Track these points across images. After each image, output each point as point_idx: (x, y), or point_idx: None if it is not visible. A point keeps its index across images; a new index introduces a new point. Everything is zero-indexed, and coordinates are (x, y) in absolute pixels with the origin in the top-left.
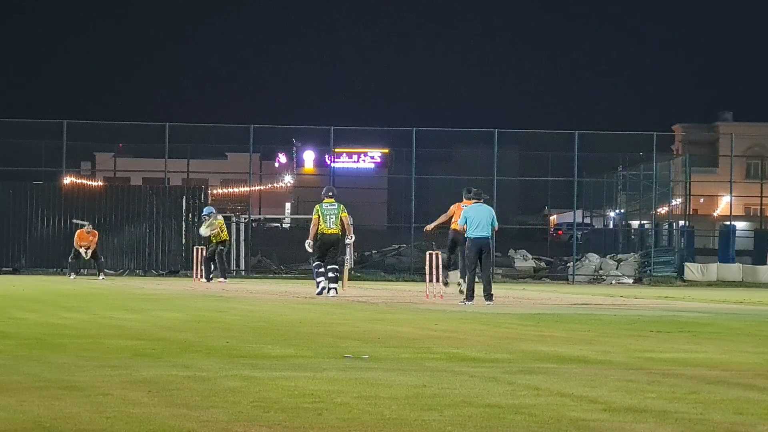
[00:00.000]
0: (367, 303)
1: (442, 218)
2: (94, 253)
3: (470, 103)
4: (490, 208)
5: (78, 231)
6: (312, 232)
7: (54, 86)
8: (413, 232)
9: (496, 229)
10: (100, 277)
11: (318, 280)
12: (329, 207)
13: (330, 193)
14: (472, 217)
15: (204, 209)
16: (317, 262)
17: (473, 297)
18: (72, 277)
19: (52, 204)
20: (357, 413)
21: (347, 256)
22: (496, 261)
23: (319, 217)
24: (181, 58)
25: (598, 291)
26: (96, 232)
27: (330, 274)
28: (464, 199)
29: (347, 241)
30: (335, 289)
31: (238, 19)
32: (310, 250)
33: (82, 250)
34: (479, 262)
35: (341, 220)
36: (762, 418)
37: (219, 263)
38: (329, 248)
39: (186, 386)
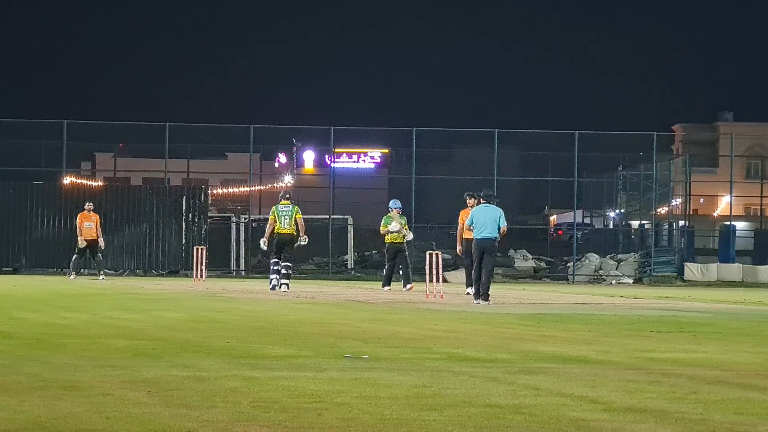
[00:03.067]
0: (367, 303)
1: (459, 232)
2: (95, 248)
3: (470, 103)
4: (498, 209)
5: (79, 214)
6: (267, 231)
7: (54, 86)
8: (414, 231)
9: (503, 229)
10: (101, 277)
11: (271, 276)
12: (284, 208)
13: (287, 196)
14: (478, 218)
15: (392, 202)
16: (274, 259)
17: (479, 295)
18: (72, 276)
19: (52, 204)
20: (357, 413)
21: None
22: (495, 261)
23: (275, 218)
24: (181, 58)
25: (598, 291)
26: (97, 215)
27: (283, 271)
28: (468, 203)
29: (301, 242)
30: (287, 284)
31: (238, 19)
32: (264, 248)
33: (91, 236)
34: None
35: (295, 220)
36: (762, 418)
37: (405, 267)
38: (283, 246)
39: (186, 386)
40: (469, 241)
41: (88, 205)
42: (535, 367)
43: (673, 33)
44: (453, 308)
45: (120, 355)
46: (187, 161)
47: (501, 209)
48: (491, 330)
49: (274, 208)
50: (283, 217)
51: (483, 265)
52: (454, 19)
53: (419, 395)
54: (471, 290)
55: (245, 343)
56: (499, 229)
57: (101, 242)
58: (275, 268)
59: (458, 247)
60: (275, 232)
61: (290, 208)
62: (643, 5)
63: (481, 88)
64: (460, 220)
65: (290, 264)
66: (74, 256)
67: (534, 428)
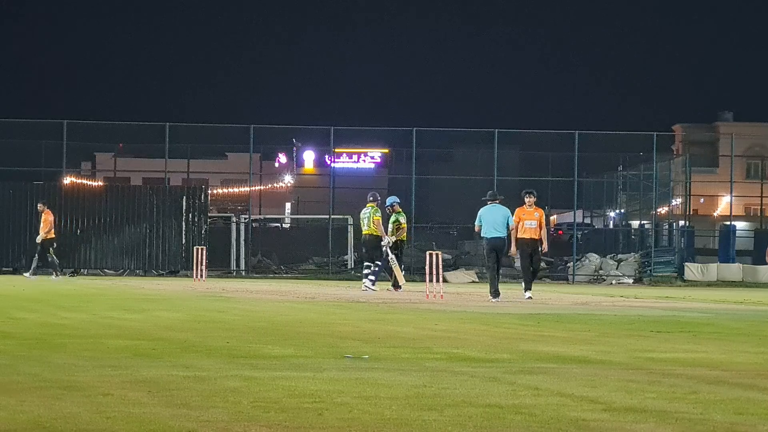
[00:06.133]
0: (367, 303)
1: (514, 231)
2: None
3: (470, 103)
4: (505, 209)
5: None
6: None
7: (54, 86)
8: (413, 232)
9: (511, 228)
10: (26, 274)
11: (364, 281)
12: (365, 211)
13: (370, 198)
14: (486, 218)
15: (389, 199)
16: (366, 263)
17: (499, 294)
18: (54, 277)
19: (52, 204)
20: (357, 413)
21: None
22: (501, 261)
23: (361, 221)
24: (181, 58)
25: (598, 291)
26: (49, 211)
27: (365, 270)
28: (526, 201)
29: (382, 243)
30: (371, 282)
31: (238, 19)
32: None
33: (40, 236)
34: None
35: (373, 222)
36: (762, 418)
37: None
38: (367, 248)
39: (186, 386)
40: (523, 240)
41: (39, 206)
42: (535, 367)
43: (674, 33)
44: (453, 308)
45: (120, 355)
46: (187, 161)
47: (507, 209)
48: (491, 330)
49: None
50: (364, 219)
51: (497, 265)
52: (454, 19)
53: (419, 395)
54: (529, 294)
55: (245, 343)
56: (507, 228)
57: (38, 239)
58: (365, 271)
59: (513, 248)
60: (362, 234)
61: (370, 211)
62: (643, 5)
63: (481, 88)
64: (515, 218)
65: (379, 263)
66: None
67: (534, 428)
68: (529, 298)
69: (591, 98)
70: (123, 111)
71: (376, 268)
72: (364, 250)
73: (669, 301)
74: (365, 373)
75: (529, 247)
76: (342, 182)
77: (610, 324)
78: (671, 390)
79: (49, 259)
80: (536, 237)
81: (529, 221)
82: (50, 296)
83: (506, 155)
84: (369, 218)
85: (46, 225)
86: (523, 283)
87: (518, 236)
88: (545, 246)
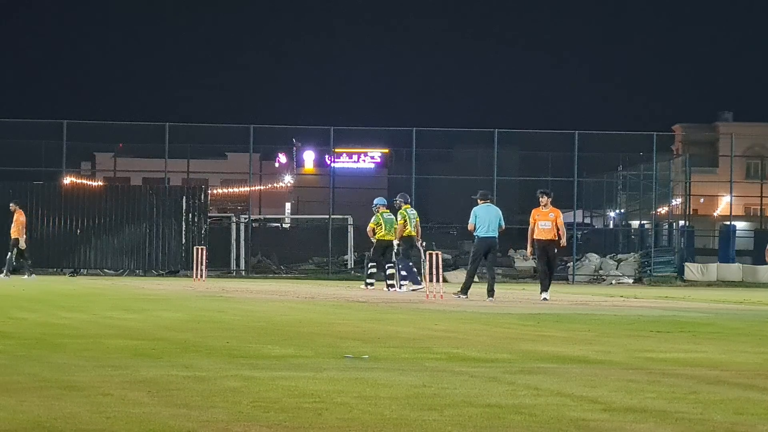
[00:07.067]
0: (367, 303)
1: (530, 232)
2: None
3: (470, 103)
4: (498, 209)
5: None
6: (399, 234)
7: (54, 86)
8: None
9: (502, 228)
10: (24, 276)
11: (407, 280)
12: (411, 212)
13: (408, 201)
14: (482, 217)
15: (377, 200)
16: (407, 261)
17: (467, 292)
18: (19, 276)
19: (52, 204)
20: (357, 413)
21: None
22: (495, 260)
23: (407, 221)
24: (181, 58)
25: (598, 291)
26: (21, 211)
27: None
28: (541, 201)
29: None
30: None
31: (238, 19)
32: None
33: (22, 239)
34: (484, 259)
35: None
36: (762, 418)
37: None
38: (406, 248)
39: (186, 386)
40: (538, 241)
41: (11, 206)
42: (535, 367)
43: (673, 33)
44: (453, 308)
45: (120, 355)
46: (187, 161)
47: (499, 209)
48: (491, 330)
49: (404, 211)
50: (412, 220)
51: (488, 265)
52: (454, 19)
53: (419, 395)
54: (546, 295)
55: (245, 343)
56: (499, 228)
57: (21, 242)
58: (404, 274)
59: (528, 249)
60: (406, 235)
61: (415, 212)
62: (643, 5)
63: (481, 88)
64: (531, 220)
65: (411, 263)
66: (11, 253)
67: (534, 428)
68: (544, 299)
69: (591, 98)
70: (123, 111)
71: (409, 272)
72: (402, 250)
73: (669, 301)
74: (365, 373)
75: (545, 248)
76: (342, 182)
77: (610, 324)
78: (671, 390)
79: (8, 257)
80: (552, 238)
81: (544, 222)
82: (50, 296)
83: (506, 155)
84: (415, 219)
85: (18, 225)
86: (540, 284)
87: (534, 237)
88: (563, 242)
